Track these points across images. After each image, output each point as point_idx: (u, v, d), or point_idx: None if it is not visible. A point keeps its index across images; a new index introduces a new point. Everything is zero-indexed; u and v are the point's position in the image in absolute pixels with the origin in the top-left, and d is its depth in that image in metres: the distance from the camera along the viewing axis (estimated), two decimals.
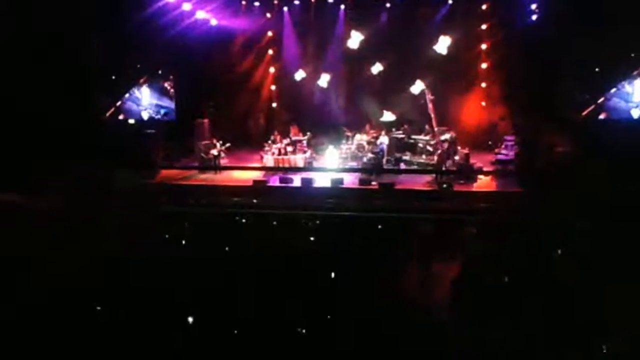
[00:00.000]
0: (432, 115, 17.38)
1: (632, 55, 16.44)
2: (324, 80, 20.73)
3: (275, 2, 20.85)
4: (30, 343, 5.28)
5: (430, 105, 17.38)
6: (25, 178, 14.60)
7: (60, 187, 14.99)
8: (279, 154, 18.10)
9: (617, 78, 16.56)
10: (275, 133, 19.15)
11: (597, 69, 16.60)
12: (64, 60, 17.38)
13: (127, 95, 19.29)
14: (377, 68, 20.25)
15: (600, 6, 15.02)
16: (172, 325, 5.87)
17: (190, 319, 5.96)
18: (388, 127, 19.41)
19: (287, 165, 17.85)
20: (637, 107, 16.43)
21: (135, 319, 5.81)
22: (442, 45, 18.99)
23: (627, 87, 16.55)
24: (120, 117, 19.39)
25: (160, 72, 19.25)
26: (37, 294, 6.62)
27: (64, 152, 16.21)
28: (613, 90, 16.56)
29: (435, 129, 17.03)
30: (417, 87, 19.18)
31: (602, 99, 16.59)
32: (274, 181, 16.38)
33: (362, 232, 10.28)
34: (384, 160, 17.48)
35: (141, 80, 19.27)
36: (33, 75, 16.79)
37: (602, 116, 16.56)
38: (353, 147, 18.36)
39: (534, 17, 17.73)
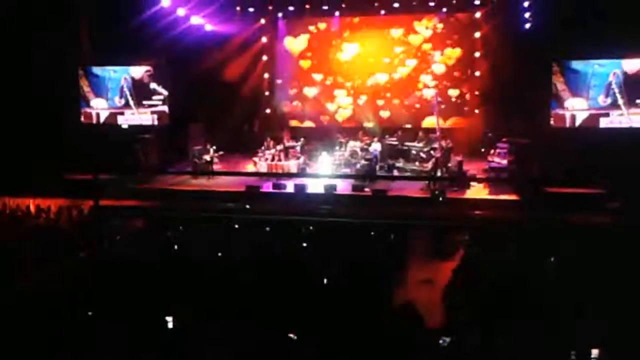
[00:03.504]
0: (437, 119, 17.61)
1: None
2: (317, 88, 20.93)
3: (270, 8, 20.91)
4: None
5: (437, 108, 17.62)
6: (22, 182, 14.61)
7: (52, 192, 14.99)
8: (272, 159, 18.09)
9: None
10: (269, 139, 19.16)
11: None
12: (56, 63, 17.42)
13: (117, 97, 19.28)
14: (374, 79, 20.48)
15: (590, 15, 15.12)
16: (157, 328, 5.84)
17: (170, 320, 5.93)
18: (381, 133, 19.51)
19: (280, 171, 17.84)
20: None
21: (127, 321, 5.78)
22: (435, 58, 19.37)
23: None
24: (112, 120, 19.37)
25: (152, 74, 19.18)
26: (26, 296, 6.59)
27: (57, 156, 16.22)
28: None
29: (438, 132, 17.12)
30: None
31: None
32: (267, 187, 16.35)
33: (354, 239, 10.26)
34: (377, 167, 17.50)
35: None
36: (23, 80, 16.84)
37: (603, 124, 16.47)
38: (346, 153, 18.38)
39: (528, 25, 17.84)
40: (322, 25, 21.29)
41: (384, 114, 21.16)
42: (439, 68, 20.54)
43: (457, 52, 20.28)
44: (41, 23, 16.61)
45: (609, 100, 16.32)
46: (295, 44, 21.56)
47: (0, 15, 16.24)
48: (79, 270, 8.09)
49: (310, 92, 21.73)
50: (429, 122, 20.09)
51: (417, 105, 20.82)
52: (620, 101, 16.20)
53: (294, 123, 21.70)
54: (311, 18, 21.21)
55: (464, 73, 20.35)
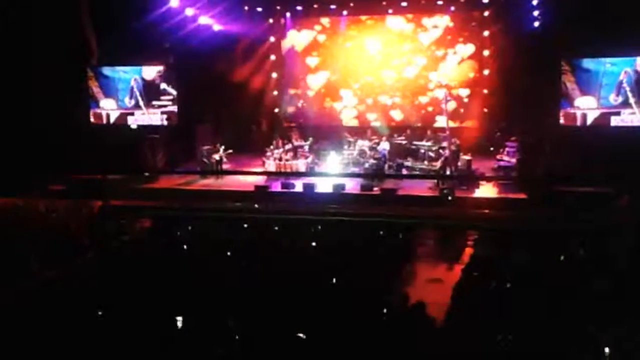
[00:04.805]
0: (446, 118, 17.59)
1: None
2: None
3: (278, 7, 20.91)
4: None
5: (446, 107, 17.67)
6: (26, 182, 14.68)
7: (60, 192, 15.08)
8: (281, 159, 18.07)
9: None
10: (278, 138, 19.13)
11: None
12: (65, 63, 17.52)
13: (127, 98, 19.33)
14: (382, 78, 20.49)
15: (600, 13, 15.00)
16: (165, 327, 5.85)
17: (180, 321, 5.92)
18: (389, 133, 19.48)
19: (289, 170, 17.82)
20: None
21: (133, 320, 5.79)
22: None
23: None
24: (122, 121, 19.43)
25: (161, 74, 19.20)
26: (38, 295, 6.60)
27: (66, 157, 16.29)
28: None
29: (447, 132, 17.07)
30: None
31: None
32: (276, 186, 16.33)
33: (363, 238, 10.25)
34: (386, 166, 17.45)
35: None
36: (31, 80, 16.95)
37: (614, 123, 16.31)
38: (355, 152, 18.34)
39: (537, 24, 17.73)
40: (328, 24, 21.24)
41: (393, 113, 21.11)
42: (448, 67, 20.44)
43: (468, 49, 20.15)
44: (46, 23, 16.70)
45: (620, 99, 16.16)
46: (300, 38, 21.53)
47: (3, 13, 16.33)
48: (88, 269, 8.11)
49: (317, 91, 21.71)
50: (439, 121, 20.03)
51: (430, 109, 20.71)
52: (632, 100, 16.05)
53: (301, 122, 21.66)
54: (319, 17, 21.19)
55: (473, 72, 20.25)
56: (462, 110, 20.42)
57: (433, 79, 20.63)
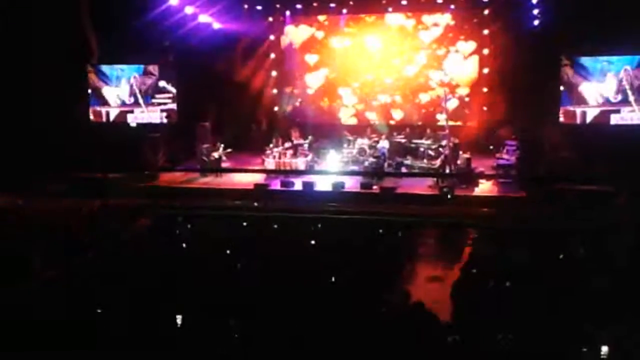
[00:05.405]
0: (446, 116, 17.60)
1: None
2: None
3: (278, 6, 20.88)
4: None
5: (447, 106, 17.77)
6: (25, 181, 14.69)
7: (60, 191, 15.10)
8: (280, 157, 18.07)
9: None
10: (277, 136, 19.11)
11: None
12: (65, 62, 17.53)
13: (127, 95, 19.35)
14: (382, 76, 20.45)
15: (601, 11, 14.99)
16: (167, 326, 5.85)
17: (179, 320, 5.93)
18: (389, 131, 19.46)
19: (288, 168, 17.81)
20: None
21: (135, 318, 5.80)
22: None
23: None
24: (122, 119, 19.45)
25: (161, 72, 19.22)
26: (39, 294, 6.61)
27: (66, 156, 16.30)
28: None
29: (447, 130, 17.07)
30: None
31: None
32: (275, 185, 16.34)
33: (363, 236, 10.26)
34: (385, 164, 17.45)
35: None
36: (30, 78, 16.95)
37: (614, 121, 16.34)
38: (354, 150, 18.33)
39: (536, 22, 17.72)
40: (327, 21, 21.21)
41: (393, 111, 21.09)
42: (451, 65, 20.37)
43: (470, 47, 20.09)
44: (46, 23, 16.72)
45: (619, 97, 16.19)
46: (298, 35, 21.49)
47: (3, 13, 16.33)
48: (88, 269, 8.12)
49: (316, 89, 21.69)
50: (439, 119, 20.00)
51: (431, 109, 20.65)
52: (631, 98, 16.07)
53: (300, 121, 21.62)
54: (318, 15, 21.16)
55: (477, 70, 20.18)
56: (465, 110, 20.32)
57: (434, 78, 20.58)
